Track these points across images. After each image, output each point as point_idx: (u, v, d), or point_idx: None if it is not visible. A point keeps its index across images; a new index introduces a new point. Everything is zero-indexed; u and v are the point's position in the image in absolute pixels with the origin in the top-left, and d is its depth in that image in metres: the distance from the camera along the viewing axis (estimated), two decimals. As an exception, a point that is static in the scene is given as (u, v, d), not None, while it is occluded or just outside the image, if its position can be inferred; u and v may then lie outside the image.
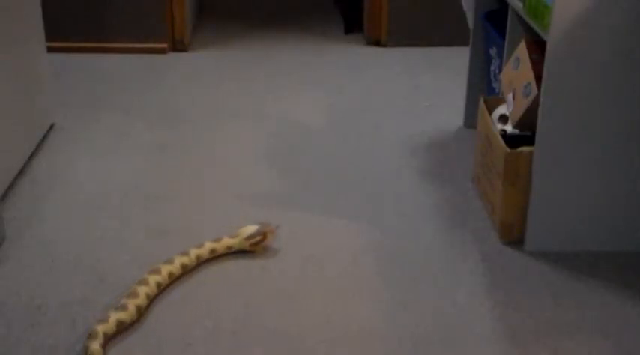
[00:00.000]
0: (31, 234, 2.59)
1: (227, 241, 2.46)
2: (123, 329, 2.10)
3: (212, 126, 3.47)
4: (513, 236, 2.55)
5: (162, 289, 2.28)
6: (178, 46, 4.46)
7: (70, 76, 4.04)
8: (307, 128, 3.45)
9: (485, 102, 2.84)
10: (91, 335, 2.02)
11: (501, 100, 2.80)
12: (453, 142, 3.34)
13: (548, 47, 2.31)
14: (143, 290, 2.19)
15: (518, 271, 2.43)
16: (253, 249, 2.48)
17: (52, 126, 3.37)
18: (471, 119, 3.34)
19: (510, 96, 2.64)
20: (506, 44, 2.85)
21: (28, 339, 2.09)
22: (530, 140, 2.47)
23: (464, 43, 3.50)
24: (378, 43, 4.60)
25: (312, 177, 3.01)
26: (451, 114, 3.57)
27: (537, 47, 2.55)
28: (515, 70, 2.63)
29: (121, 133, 3.38)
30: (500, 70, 2.97)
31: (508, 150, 2.48)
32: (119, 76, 4.08)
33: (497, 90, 3.11)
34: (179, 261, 2.34)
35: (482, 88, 3.33)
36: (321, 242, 2.58)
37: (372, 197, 2.87)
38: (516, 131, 2.63)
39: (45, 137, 3.28)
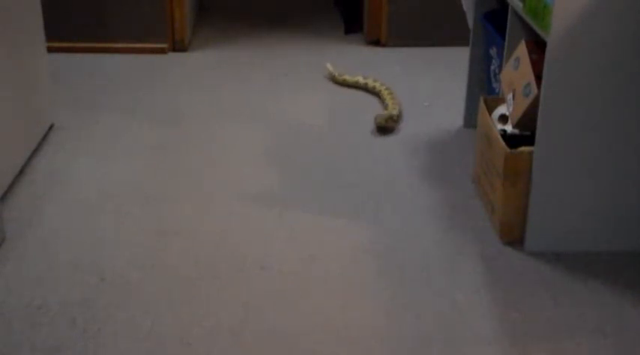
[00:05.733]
0: (31, 234, 2.59)
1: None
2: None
3: (212, 126, 3.47)
4: (513, 236, 2.55)
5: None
6: (178, 46, 4.46)
7: (70, 76, 4.04)
8: (307, 128, 3.45)
9: (485, 102, 2.84)
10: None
11: (501, 100, 2.80)
12: (453, 142, 3.34)
13: (548, 47, 2.31)
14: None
15: (518, 271, 2.43)
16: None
17: (52, 126, 3.37)
18: (471, 119, 3.34)
19: (510, 96, 2.64)
20: (506, 44, 2.85)
21: (28, 339, 2.09)
22: (530, 140, 2.47)
23: (464, 43, 3.50)
24: (378, 43, 4.60)
25: (312, 177, 3.01)
26: (451, 114, 3.57)
27: (537, 47, 2.55)
28: (515, 70, 2.63)
29: (121, 133, 3.39)
30: (500, 70, 2.97)
31: (508, 150, 2.48)
32: (119, 76, 4.08)
33: (497, 91, 3.11)
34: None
35: (483, 88, 3.33)
36: (321, 242, 2.58)
37: (372, 197, 2.87)
38: (516, 131, 2.63)
39: (45, 137, 3.28)
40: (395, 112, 3.44)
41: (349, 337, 2.13)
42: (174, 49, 4.46)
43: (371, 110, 3.66)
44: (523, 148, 2.47)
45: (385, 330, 2.15)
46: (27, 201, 2.80)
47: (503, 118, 2.71)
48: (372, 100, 3.78)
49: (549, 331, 2.16)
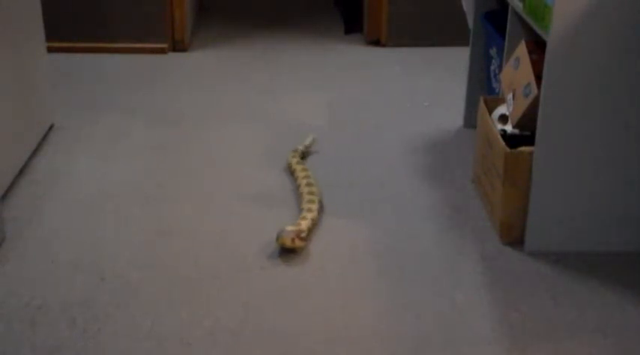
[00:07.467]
0: (31, 234, 2.59)
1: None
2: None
3: (212, 126, 3.47)
4: (513, 236, 2.55)
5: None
6: (178, 46, 4.46)
7: (70, 76, 4.04)
8: (307, 128, 3.45)
9: (485, 102, 2.84)
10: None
11: (501, 100, 2.80)
12: (453, 142, 3.34)
13: (548, 47, 2.31)
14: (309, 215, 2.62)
15: (518, 271, 2.43)
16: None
17: (52, 126, 3.37)
18: (471, 119, 3.34)
19: (510, 96, 2.64)
20: (506, 44, 2.85)
21: (28, 339, 2.09)
22: (530, 140, 2.47)
23: (464, 43, 3.51)
24: (378, 43, 4.61)
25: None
26: (451, 114, 3.57)
27: (537, 47, 2.55)
28: (515, 70, 2.63)
29: (121, 133, 3.39)
30: (500, 70, 2.97)
31: (508, 150, 2.48)
32: (119, 76, 4.08)
33: (497, 91, 3.11)
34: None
35: (483, 88, 3.33)
36: (321, 242, 2.58)
37: (372, 197, 2.87)
38: (516, 131, 2.63)
39: (45, 137, 3.28)
40: (304, 225, 2.55)
41: (349, 337, 2.13)
42: (175, 49, 4.46)
43: (372, 110, 3.67)
44: (523, 148, 2.47)
45: (385, 330, 2.15)
46: (27, 201, 2.80)
47: (503, 118, 2.71)
48: (372, 100, 3.79)
49: (549, 331, 2.16)
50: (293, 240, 2.45)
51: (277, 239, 2.46)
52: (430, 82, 4.04)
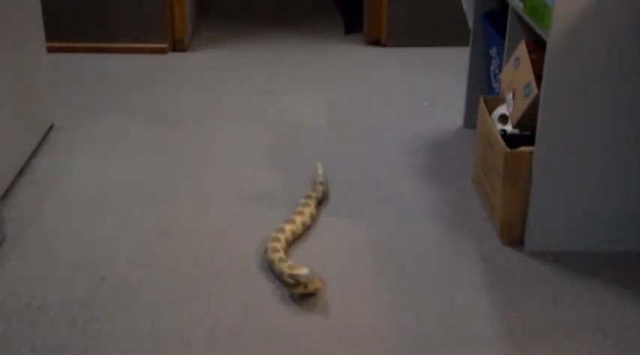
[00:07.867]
0: (31, 234, 2.59)
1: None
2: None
3: (212, 126, 3.47)
4: (513, 236, 2.55)
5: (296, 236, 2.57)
6: (178, 46, 4.46)
7: (70, 76, 4.04)
8: (307, 128, 3.45)
9: (485, 102, 2.84)
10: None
11: (501, 100, 2.80)
12: (453, 142, 3.34)
13: (548, 47, 2.31)
14: (289, 227, 2.55)
15: (518, 271, 2.43)
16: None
17: (52, 126, 3.37)
18: (471, 119, 3.34)
19: (510, 96, 2.64)
20: (506, 44, 2.85)
21: (28, 339, 2.09)
22: (530, 140, 2.47)
23: (464, 43, 3.51)
24: (378, 43, 4.61)
25: (311, 177, 3.01)
26: (451, 114, 3.57)
27: (537, 47, 2.55)
28: (515, 70, 2.63)
29: (120, 133, 3.39)
30: (500, 70, 2.97)
31: (508, 150, 2.48)
32: (119, 76, 4.08)
33: (497, 91, 3.11)
34: (299, 220, 2.60)
35: (483, 88, 3.33)
36: (321, 242, 2.58)
37: (372, 197, 2.87)
38: (516, 131, 2.63)
39: (45, 137, 3.28)
40: (288, 230, 2.53)
41: (349, 337, 2.13)
42: (175, 49, 4.46)
43: (372, 110, 3.66)
44: (523, 148, 2.47)
45: (385, 330, 2.15)
46: (27, 200, 2.80)
47: (503, 118, 2.71)
48: (372, 100, 3.79)
49: (549, 331, 2.16)
50: (320, 279, 2.24)
51: (306, 287, 2.22)
52: (430, 82, 4.04)
